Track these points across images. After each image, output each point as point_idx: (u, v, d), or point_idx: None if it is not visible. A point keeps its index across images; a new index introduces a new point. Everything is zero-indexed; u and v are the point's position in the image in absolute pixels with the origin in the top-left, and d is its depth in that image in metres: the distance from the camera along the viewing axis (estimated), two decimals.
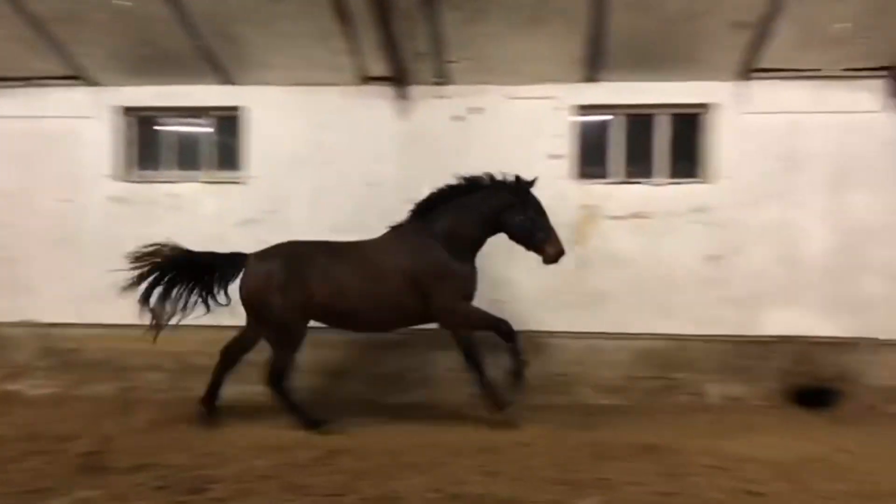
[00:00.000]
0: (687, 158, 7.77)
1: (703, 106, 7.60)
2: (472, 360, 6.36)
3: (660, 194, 7.63)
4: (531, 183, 6.42)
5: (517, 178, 6.41)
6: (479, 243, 6.52)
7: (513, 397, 6.38)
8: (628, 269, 7.61)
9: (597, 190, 7.72)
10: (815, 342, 7.37)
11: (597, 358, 7.61)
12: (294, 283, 6.26)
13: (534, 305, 7.60)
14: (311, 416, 6.31)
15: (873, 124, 7.32)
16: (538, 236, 6.30)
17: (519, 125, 7.69)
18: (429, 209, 6.48)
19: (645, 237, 7.61)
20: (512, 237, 6.44)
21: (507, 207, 6.36)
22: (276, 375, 6.31)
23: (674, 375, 7.51)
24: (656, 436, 6.21)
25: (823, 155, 7.40)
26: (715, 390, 7.48)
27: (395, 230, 6.58)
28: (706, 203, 7.50)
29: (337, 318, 6.44)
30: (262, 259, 6.43)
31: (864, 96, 7.33)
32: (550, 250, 6.28)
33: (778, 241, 7.46)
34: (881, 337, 7.38)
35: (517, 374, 6.31)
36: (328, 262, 6.35)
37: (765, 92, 7.40)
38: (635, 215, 7.62)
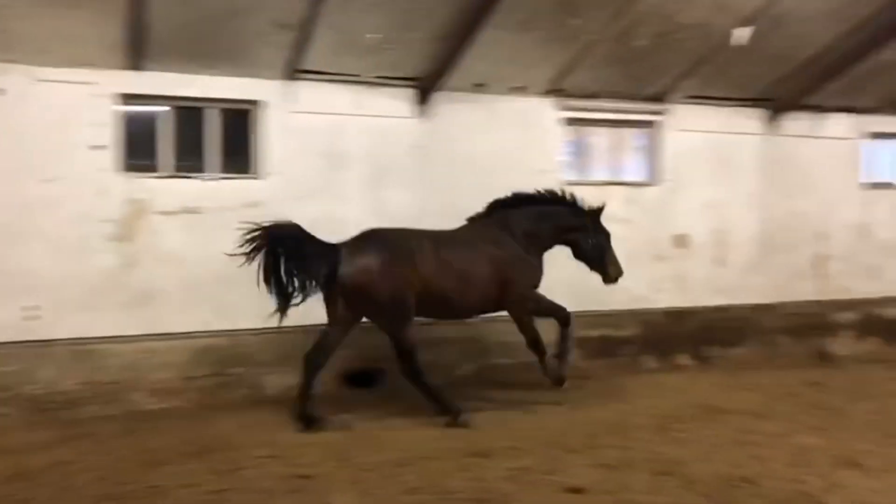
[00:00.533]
0: (239, 153, 7.80)
1: (252, 102, 7.69)
2: (536, 345, 7.02)
3: (212, 189, 7.54)
4: (602, 210, 7.23)
5: (595, 207, 7.23)
6: (547, 248, 7.21)
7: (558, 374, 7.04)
8: (181, 266, 7.37)
9: (145, 184, 7.34)
10: (362, 327, 7.96)
11: (150, 361, 7.26)
12: (401, 266, 6.47)
13: (73, 310, 6.95)
14: (452, 403, 6.56)
15: (404, 129, 8.15)
16: (604, 260, 7.16)
17: (52, 111, 6.93)
18: (507, 207, 7.10)
19: (198, 233, 7.44)
20: (579, 256, 7.28)
21: (580, 228, 7.15)
22: (409, 360, 6.53)
23: (232, 371, 7.50)
24: (213, 434, 6.16)
25: (363, 155, 8.02)
26: (273, 382, 7.65)
27: (476, 222, 7.20)
28: (259, 198, 7.60)
29: (430, 301, 6.64)
30: (361, 247, 6.54)
31: (396, 103, 8.12)
32: (613, 273, 7.22)
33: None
34: (419, 318, 8.24)
35: (562, 354, 7.06)
36: (429, 246, 6.67)
37: (310, 93, 7.75)
38: (187, 210, 7.42)
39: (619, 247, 7.66)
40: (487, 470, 5.38)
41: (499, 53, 7.71)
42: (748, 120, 9.61)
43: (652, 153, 9.44)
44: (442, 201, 8.27)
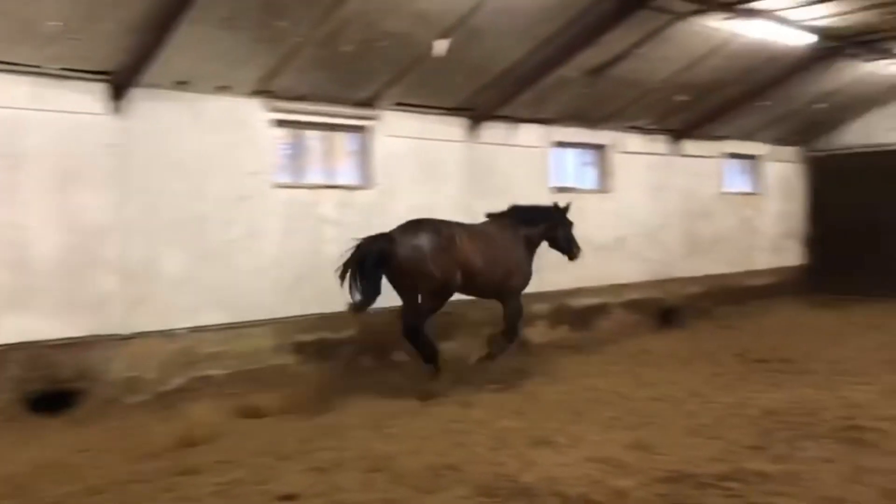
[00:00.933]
0: None
1: None
2: (514, 328, 8.69)
3: None
4: (569, 207, 9.13)
5: (557, 205, 9.12)
6: (536, 248, 9.00)
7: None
8: None
9: None
10: (50, 345, 7.19)
11: None
12: (448, 248, 7.82)
13: None
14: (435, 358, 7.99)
15: (97, 127, 7.46)
16: (571, 245, 9.11)
17: None
18: (518, 214, 8.76)
19: None
20: (554, 246, 9.14)
21: (556, 226, 9.00)
22: (420, 320, 7.86)
23: None
24: None
25: (49, 154, 7.21)
26: None
27: (500, 222, 8.70)
28: None
29: (465, 279, 8.00)
30: (412, 231, 7.82)
31: (87, 98, 7.41)
32: (576, 252, 9.17)
33: (2, 244, 6.99)
34: (119, 332, 7.63)
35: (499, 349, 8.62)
36: (466, 235, 8.09)
37: None
38: None
39: (333, 250, 7.76)
40: (195, 487, 5.11)
41: (201, 50, 7.36)
42: (451, 128, 10.18)
43: (364, 157, 9.63)
44: (144, 205, 7.76)
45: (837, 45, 10.64)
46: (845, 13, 9.25)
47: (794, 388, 7.96)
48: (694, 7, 8.62)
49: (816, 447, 6.00)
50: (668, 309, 12.48)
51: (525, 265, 8.79)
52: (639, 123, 12.24)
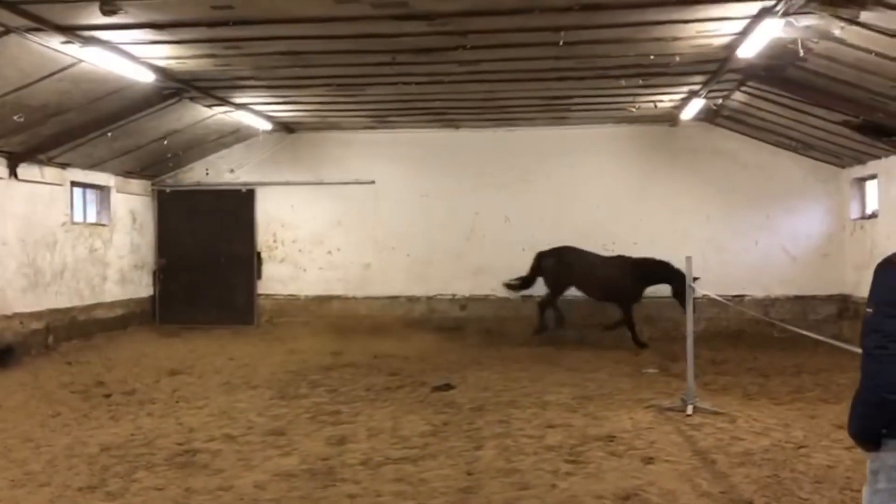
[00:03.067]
0: None
1: None
2: (631, 323, 13.19)
3: None
4: (675, 267, 12.34)
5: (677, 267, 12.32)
6: (647, 287, 13.44)
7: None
8: None
9: None
10: None
11: None
12: (567, 266, 13.53)
13: None
14: (545, 327, 13.45)
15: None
16: (681, 296, 11.36)
17: None
18: (639, 263, 13.35)
19: None
20: (672, 290, 12.68)
21: (671, 277, 12.62)
22: (546, 304, 13.45)
23: None
24: None
25: None
26: None
27: (619, 260, 13.61)
28: None
29: (584, 285, 13.59)
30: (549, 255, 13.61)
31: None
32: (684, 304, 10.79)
33: None
34: None
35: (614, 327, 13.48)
36: (583, 258, 13.62)
37: None
38: None
39: None
40: None
41: None
42: None
43: None
44: None
45: (180, 86, 11.18)
46: (182, 58, 9.73)
47: (136, 419, 8.00)
48: (27, 23, 7.95)
49: (151, 477, 6.10)
50: (4, 349, 11.28)
51: (628, 289, 13.20)
52: None
